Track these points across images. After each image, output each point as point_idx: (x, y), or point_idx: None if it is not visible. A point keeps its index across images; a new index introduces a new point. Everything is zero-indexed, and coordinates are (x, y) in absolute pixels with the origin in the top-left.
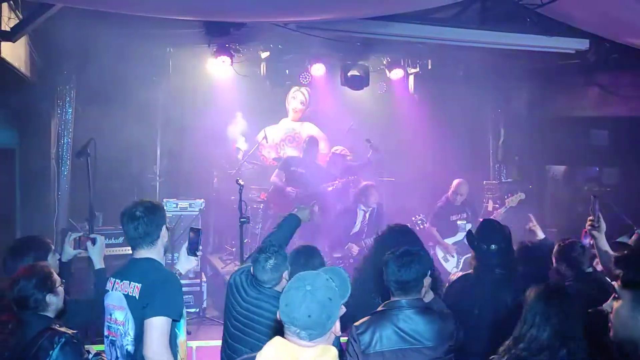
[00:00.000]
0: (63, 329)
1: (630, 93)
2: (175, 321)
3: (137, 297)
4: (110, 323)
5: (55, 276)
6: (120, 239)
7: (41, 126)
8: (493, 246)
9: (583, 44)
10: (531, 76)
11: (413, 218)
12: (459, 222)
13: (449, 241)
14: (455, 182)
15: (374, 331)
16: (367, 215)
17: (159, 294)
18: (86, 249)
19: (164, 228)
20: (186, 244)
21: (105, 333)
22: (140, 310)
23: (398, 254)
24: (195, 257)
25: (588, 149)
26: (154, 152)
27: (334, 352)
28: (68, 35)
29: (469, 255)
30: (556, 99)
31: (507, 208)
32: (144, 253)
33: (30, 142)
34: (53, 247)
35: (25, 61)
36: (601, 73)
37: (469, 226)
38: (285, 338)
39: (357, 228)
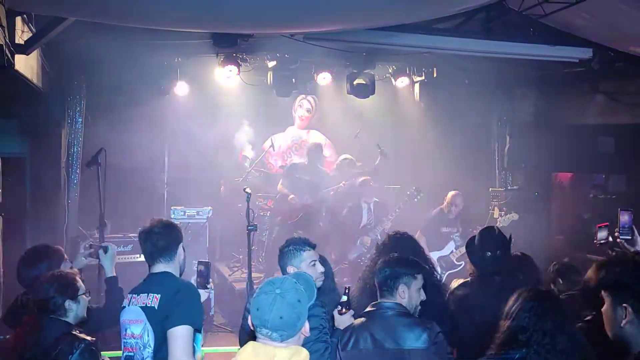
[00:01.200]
0: (82, 335)
1: (636, 100)
2: (196, 331)
3: (156, 307)
4: (126, 339)
5: (80, 284)
6: (129, 247)
7: (52, 135)
8: (488, 253)
9: (586, 53)
10: (536, 84)
11: (408, 192)
12: (451, 235)
13: (435, 255)
14: (451, 193)
15: (352, 331)
16: (372, 206)
17: (181, 303)
18: (98, 258)
19: (180, 246)
20: (195, 277)
21: (123, 348)
22: (161, 320)
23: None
24: (206, 290)
25: (594, 156)
26: (162, 161)
27: (305, 353)
28: (79, 46)
29: (454, 270)
30: (561, 106)
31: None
32: (161, 267)
33: (41, 152)
34: (66, 256)
35: (37, 72)
36: (606, 81)
37: (458, 241)
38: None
39: (364, 221)
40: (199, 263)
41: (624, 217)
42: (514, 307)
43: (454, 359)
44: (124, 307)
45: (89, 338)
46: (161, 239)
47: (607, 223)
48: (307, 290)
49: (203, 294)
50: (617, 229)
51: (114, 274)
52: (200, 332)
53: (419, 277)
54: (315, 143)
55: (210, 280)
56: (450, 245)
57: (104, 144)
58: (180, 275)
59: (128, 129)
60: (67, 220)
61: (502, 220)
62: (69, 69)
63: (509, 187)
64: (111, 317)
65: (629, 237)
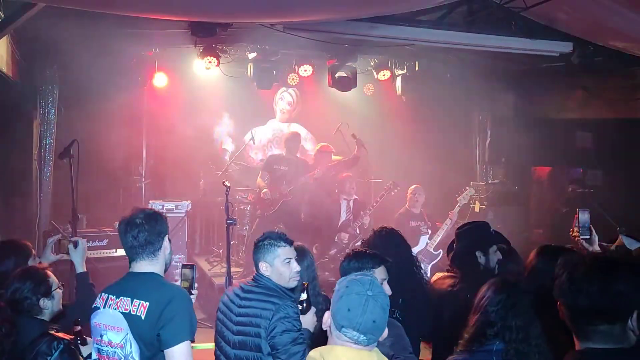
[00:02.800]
0: (61, 335)
1: (614, 96)
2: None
3: (142, 318)
4: (101, 346)
5: (52, 279)
6: (105, 242)
7: (23, 127)
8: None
9: (567, 47)
10: (517, 78)
11: (385, 186)
12: (420, 228)
13: (414, 250)
14: (410, 188)
15: None
16: (351, 204)
17: (177, 316)
18: (67, 253)
19: (166, 239)
20: (180, 282)
21: (95, 357)
22: (148, 333)
23: None
24: (191, 296)
25: (572, 151)
26: (140, 154)
27: (381, 355)
28: (51, 34)
29: (436, 260)
30: (541, 101)
31: (460, 206)
32: (144, 266)
33: (12, 143)
34: (34, 252)
35: (7, 61)
36: (585, 76)
37: (426, 234)
38: (333, 342)
39: (343, 217)
40: (183, 267)
41: (584, 217)
42: (482, 301)
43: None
44: (97, 307)
45: (67, 337)
46: (143, 231)
47: (588, 209)
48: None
49: None
50: (576, 228)
51: (85, 269)
52: (194, 340)
53: (376, 271)
54: (292, 132)
55: (196, 285)
56: (424, 238)
57: (78, 136)
58: (166, 270)
59: (103, 120)
60: (39, 214)
61: (462, 197)
62: (41, 58)
63: (489, 181)
64: (83, 314)
65: (588, 237)
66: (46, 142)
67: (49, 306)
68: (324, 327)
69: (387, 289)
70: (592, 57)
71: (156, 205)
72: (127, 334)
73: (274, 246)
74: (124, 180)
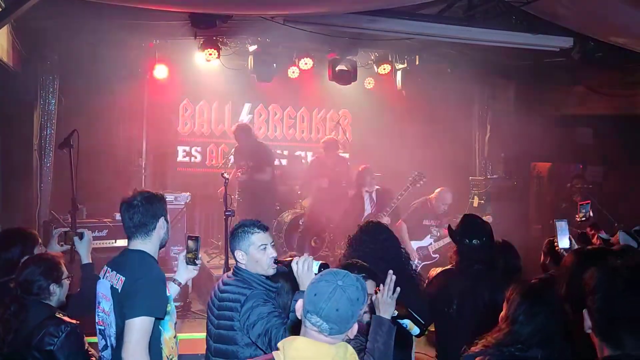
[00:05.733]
0: (67, 319)
1: (614, 91)
2: (159, 319)
3: (119, 291)
4: (98, 312)
5: (64, 268)
6: (104, 232)
7: (24, 117)
8: (475, 241)
9: (567, 42)
10: (517, 73)
11: (410, 177)
12: (431, 228)
13: (415, 244)
14: (442, 190)
15: None
16: (374, 195)
17: (140, 292)
18: (73, 244)
19: (161, 220)
20: (184, 253)
21: (97, 320)
22: (120, 306)
23: None
24: (195, 267)
25: (573, 147)
26: (140, 145)
27: (351, 349)
28: (52, 24)
29: (430, 262)
30: (542, 96)
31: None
32: (137, 244)
33: (12, 134)
34: (40, 240)
35: (8, 50)
36: (586, 71)
37: (436, 234)
38: (302, 330)
39: (368, 210)
40: (189, 238)
41: (561, 226)
42: (512, 308)
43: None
44: (99, 277)
45: (74, 321)
46: (138, 212)
47: (589, 201)
48: (363, 292)
49: (191, 271)
50: (555, 240)
51: (90, 261)
52: (163, 318)
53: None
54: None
55: (200, 256)
56: (429, 238)
57: (78, 126)
58: (161, 248)
59: (104, 111)
60: (39, 204)
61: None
62: (42, 48)
63: (488, 176)
64: (87, 304)
65: (567, 247)
66: (47, 132)
67: (58, 292)
68: (297, 314)
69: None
70: (593, 52)
71: None
72: (112, 304)
73: (248, 233)
74: (124, 171)
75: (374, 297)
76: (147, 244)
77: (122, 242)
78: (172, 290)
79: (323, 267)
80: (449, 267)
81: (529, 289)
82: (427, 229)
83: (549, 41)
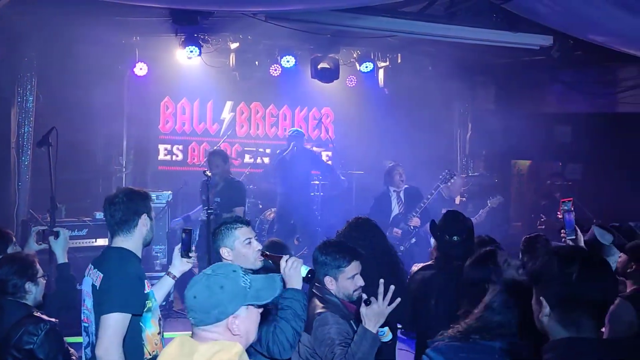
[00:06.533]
0: (46, 317)
1: (593, 90)
2: (136, 316)
3: (97, 288)
4: (83, 309)
5: (38, 267)
6: (84, 231)
7: (1, 114)
8: (455, 237)
9: (547, 40)
10: (498, 71)
11: (440, 176)
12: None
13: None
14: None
15: None
16: (402, 195)
17: (115, 288)
18: (48, 243)
19: (143, 217)
20: (179, 246)
21: (82, 317)
22: (98, 302)
23: None
24: (188, 259)
25: (552, 144)
26: (120, 143)
27: (236, 350)
28: (30, 20)
29: None
30: (521, 94)
31: (489, 209)
32: (119, 241)
33: None
34: (14, 239)
35: None
36: (565, 70)
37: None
38: None
39: (395, 211)
40: (183, 231)
41: (569, 217)
42: (491, 295)
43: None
44: (84, 275)
45: (52, 319)
46: (119, 210)
47: (571, 199)
48: (256, 287)
49: (185, 264)
50: (563, 230)
51: (66, 260)
52: (140, 315)
53: (348, 268)
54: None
55: (193, 248)
56: None
57: (57, 124)
58: (146, 245)
59: (83, 109)
60: (17, 203)
61: (492, 202)
62: (20, 44)
63: (470, 174)
64: (62, 304)
65: (574, 237)
66: (24, 130)
67: (34, 291)
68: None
69: (360, 282)
70: (572, 51)
71: None
72: (92, 300)
73: (231, 229)
74: (104, 169)
75: (362, 309)
76: (129, 241)
77: (102, 241)
78: (167, 283)
79: (311, 273)
80: (429, 262)
81: (512, 281)
82: None
83: (529, 39)
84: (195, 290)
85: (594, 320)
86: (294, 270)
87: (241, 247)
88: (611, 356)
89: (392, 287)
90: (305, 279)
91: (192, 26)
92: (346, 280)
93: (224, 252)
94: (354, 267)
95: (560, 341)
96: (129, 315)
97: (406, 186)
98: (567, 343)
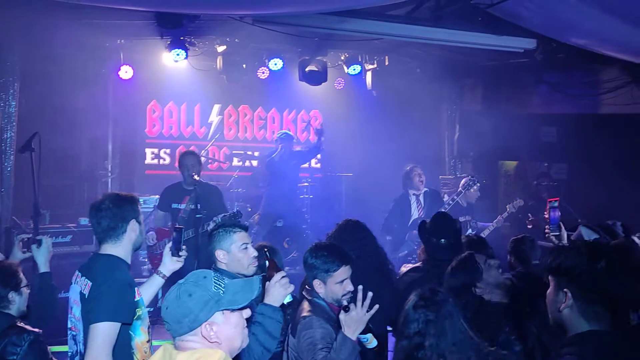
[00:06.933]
0: (29, 328)
1: (576, 91)
2: (126, 324)
3: (86, 296)
4: (70, 317)
5: (22, 276)
6: (68, 238)
7: None
8: (443, 240)
9: (531, 44)
10: (484, 74)
11: (463, 181)
12: (469, 224)
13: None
14: (464, 180)
15: None
16: (421, 198)
17: (105, 296)
18: (30, 252)
19: (132, 222)
20: (170, 245)
21: (69, 325)
22: (86, 309)
23: None
24: (179, 258)
25: (538, 145)
26: (106, 147)
27: (217, 356)
28: (12, 25)
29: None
30: (508, 96)
31: (508, 214)
32: (107, 248)
33: None
34: None
35: None
36: (549, 72)
37: (475, 228)
38: None
39: (415, 215)
40: (174, 229)
41: (554, 213)
42: (404, 321)
43: None
44: (71, 282)
45: (36, 330)
46: (106, 217)
47: (558, 198)
48: (231, 292)
49: (175, 262)
50: (547, 226)
51: (48, 270)
52: (130, 323)
53: (337, 274)
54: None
55: (184, 247)
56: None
57: (41, 129)
58: (136, 250)
59: (68, 113)
60: (1, 210)
61: (512, 206)
62: (1, 49)
63: (458, 175)
64: (44, 315)
65: (558, 233)
66: (7, 135)
67: (17, 301)
68: None
69: (350, 287)
70: (555, 53)
71: None
72: (81, 309)
73: (230, 232)
74: (89, 175)
75: (341, 315)
76: (118, 248)
77: (87, 248)
78: (156, 283)
79: (289, 305)
80: (418, 264)
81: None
82: (464, 226)
83: (513, 42)
84: (167, 301)
85: (611, 313)
86: (282, 289)
87: (237, 252)
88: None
89: (371, 293)
90: (282, 306)
91: (177, 29)
92: (335, 285)
93: (220, 254)
94: (343, 271)
95: (583, 335)
96: (119, 324)
97: (426, 189)
98: (591, 336)
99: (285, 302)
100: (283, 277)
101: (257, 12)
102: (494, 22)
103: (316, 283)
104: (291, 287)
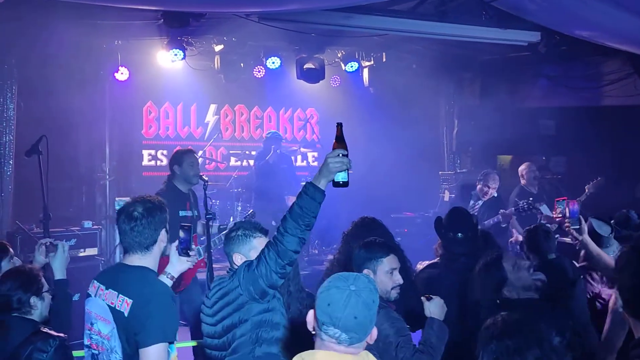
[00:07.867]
0: (54, 333)
1: (577, 84)
2: (170, 343)
3: (125, 315)
4: (92, 333)
5: (43, 281)
6: (73, 241)
7: None
8: (460, 234)
9: (535, 37)
10: (482, 68)
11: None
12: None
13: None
14: (523, 166)
15: None
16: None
17: (156, 317)
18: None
19: (162, 232)
20: (176, 244)
21: (86, 342)
22: (129, 331)
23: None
24: (187, 258)
25: (537, 138)
26: (103, 149)
27: (372, 356)
28: (9, 28)
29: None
30: (506, 90)
31: (587, 196)
32: (135, 259)
33: None
34: (11, 251)
35: None
36: (550, 65)
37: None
38: (318, 343)
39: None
40: (181, 228)
41: (574, 207)
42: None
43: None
44: (89, 294)
45: (61, 335)
46: (139, 226)
47: (565, 197)
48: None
49: (184, 262)
50: (567, 219)
51: (64, 277)
52: (174, 342)
53: (386, 260)
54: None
55: (193, 246)
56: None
57: (38, 132)
58: (162, 255)
59: (65, 116)
60: (1, 214)
61: (591, 186)
62: None
63: (457, 170)
64: (62, 324)
65: (578, 227)
66: (6, 139)
67: (39, 306)
68: (309, 327)
69: (399, 278)
70: (558, 46)
71: (122, 203)
72: (114, 328)
73: (249, 237)
74: (87, 177)
75: (425, 304)
76: (148, 258)
77: (90, 251)
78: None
79: (343, 182)
80: (435, 260)
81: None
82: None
83: (518, 36)
84: (354, 310)
85: None
86: (339, 164)
87: (255, 257)
88: None
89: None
90: (335, 184)
91: (180, 28)
92: (385, 275)
93: (237, 258)
94: (392, 260)
95: None
96: (168, 344)
97: (494, 195)
98: None
99: (339, 180)
100: (344, 154)
101: (266, 9)
102: (498, 16)
103: (365, 273)
104: (348, 165)
